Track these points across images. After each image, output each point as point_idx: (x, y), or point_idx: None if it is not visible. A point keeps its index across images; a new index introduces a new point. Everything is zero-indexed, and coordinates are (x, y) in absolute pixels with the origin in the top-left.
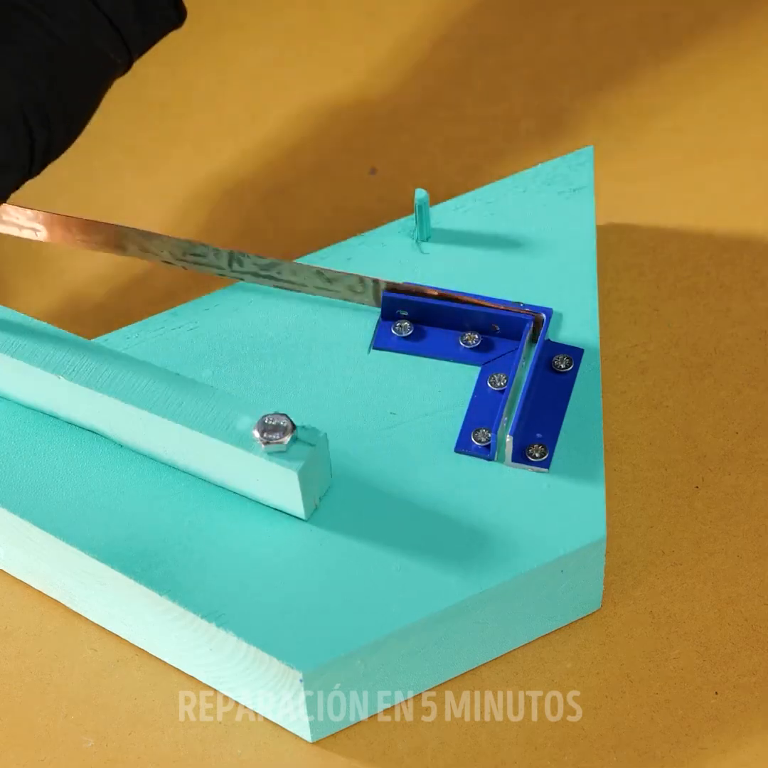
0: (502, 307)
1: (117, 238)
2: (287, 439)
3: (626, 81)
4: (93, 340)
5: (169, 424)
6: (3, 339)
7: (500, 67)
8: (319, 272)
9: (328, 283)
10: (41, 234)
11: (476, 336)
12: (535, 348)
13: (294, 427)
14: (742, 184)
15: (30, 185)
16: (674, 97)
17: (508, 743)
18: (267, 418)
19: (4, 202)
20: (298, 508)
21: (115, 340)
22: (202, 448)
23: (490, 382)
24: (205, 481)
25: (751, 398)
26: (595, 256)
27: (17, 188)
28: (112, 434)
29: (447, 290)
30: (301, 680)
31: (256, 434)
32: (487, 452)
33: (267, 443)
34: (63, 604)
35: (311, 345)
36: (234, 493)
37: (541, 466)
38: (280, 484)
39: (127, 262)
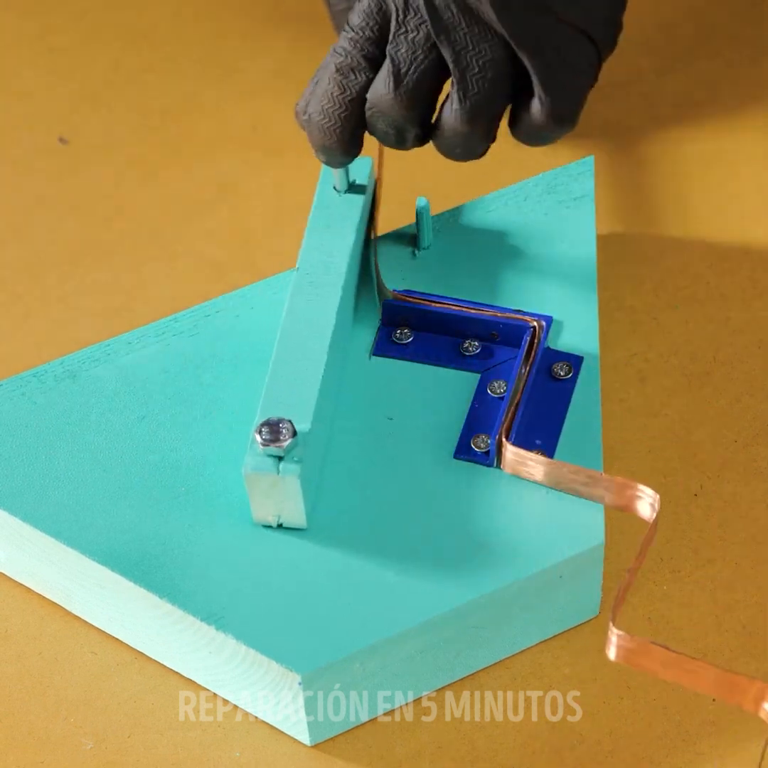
0: (502, 315)
1: None
2: (271, 445)
3: (627, 91)
4: (95, 344)
5: None
6: None
7: None
8: None
9: None
10: None
11: (476, 343)
12: (535, 355)
13: (282, 441)
14: (741, 193)
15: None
16: (674, 107)
17: (506, 748)
18: (282, 422)
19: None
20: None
21: (116, 345)
22: None
23: (490, 389)
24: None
25: (750, 407)
26: (596, 265)
27: None
28: None
29: (447, 298)
30: (299, 683)
31: (259, 420)
32: (486, 459)
33: (258, 433)
34: (63, 607)
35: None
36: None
37: None
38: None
39: (128, 268)
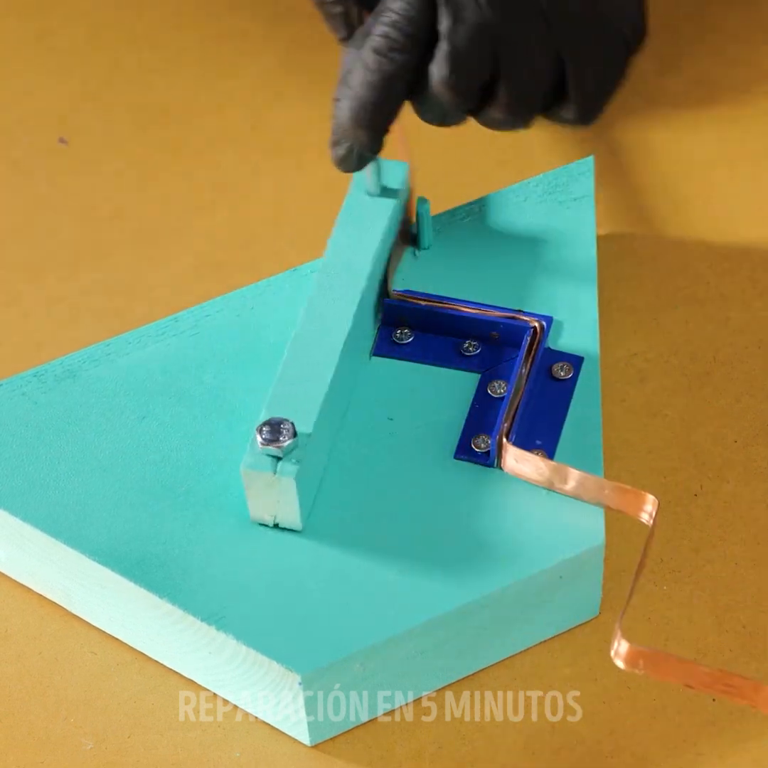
0: (502, 315)
1: None
2: (271, 445)
3: (627, 91)
4: (95, 345)
5: None
6: None
7: None
8: None
9: None
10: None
11: (476, 343)
12: (535, 355)
13: (282, 442)
14: (741, 193)
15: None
16: (674, 107)
17: (506, 748)
18: (284, 423)
19: None
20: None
21: (117, 344)
22: None
23: (490, 389)
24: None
25: (750, 407)
26: (596, 265)
27: None
28: None
29: (448, 298)
30: (299, 683)
31: (262, 420)
32: (486, 459)
33: (258, 432)
34: (63, 607)
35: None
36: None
37: None
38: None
39: (128, 268)
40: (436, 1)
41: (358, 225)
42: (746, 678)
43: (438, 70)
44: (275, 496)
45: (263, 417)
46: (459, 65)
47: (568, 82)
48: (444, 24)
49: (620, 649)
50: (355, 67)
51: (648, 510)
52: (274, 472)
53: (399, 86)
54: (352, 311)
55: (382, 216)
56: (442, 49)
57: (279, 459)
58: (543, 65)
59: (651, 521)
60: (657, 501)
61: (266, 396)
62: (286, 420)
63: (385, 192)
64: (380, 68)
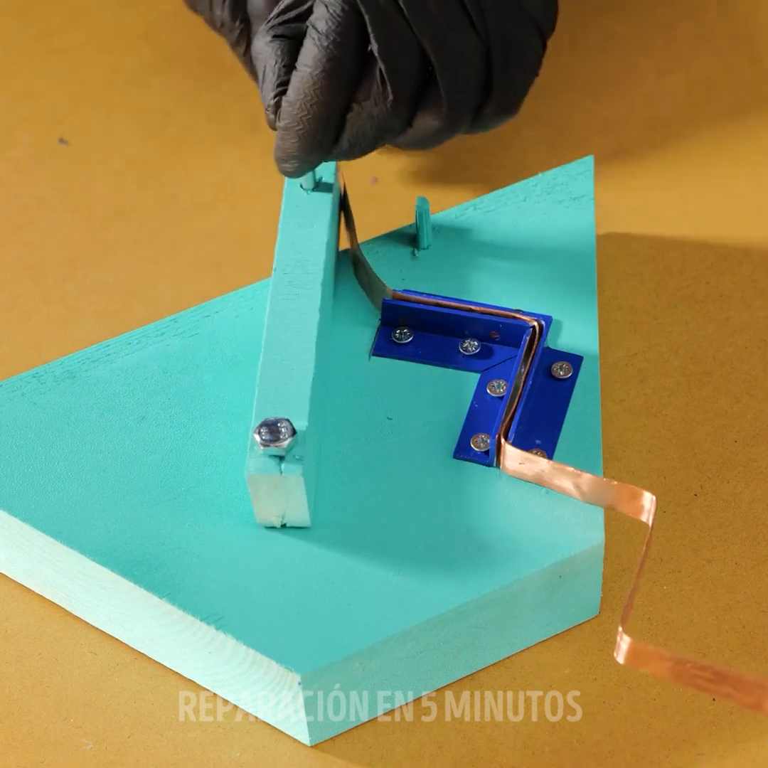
0: (501, 315)
1: None
2: (272, 445)
3: (627, 91)
4: (95, 345)
5: None
6: None
7: None
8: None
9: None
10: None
11: (476, 343)
12: (535, 355)
13: (282, 440)
14: (741, 193)
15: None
16: (674, 107)
17: (507, 748)
18: (280, 422)
19: None
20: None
21: (116, 345)
22: None
23: (490, 389)
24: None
25: (750, 407)
26: (595, 265)
27: None
28: None
29: (447, 298)
30: (299, 683)
31: (256, 422)
32: (486, 458)
33: (257, 434)
34: (63, 608)
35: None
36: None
37: None
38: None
39: (128, 268)
40: (360, 13)
41: (301, 222)
42: (748, 678)
43: (378, 92)
44: (283, 496)
45: (256, 420)
46: (397, 87)
47: (494, 77)
48: (373, 37)
49: (623, 645)
50: (294, 91)
51: (647, 508)
52: (280, 472)
53: (336, 113)
54: (317, 306)
55: (323, 209)
56: (380, 70)
57: (281, 458)
58: (472, 66)
59: (650, 519)
60: (654, 499)
61: (254, 398)
62: (282, 418)
63: (320, 187)
64: (320, 100)
